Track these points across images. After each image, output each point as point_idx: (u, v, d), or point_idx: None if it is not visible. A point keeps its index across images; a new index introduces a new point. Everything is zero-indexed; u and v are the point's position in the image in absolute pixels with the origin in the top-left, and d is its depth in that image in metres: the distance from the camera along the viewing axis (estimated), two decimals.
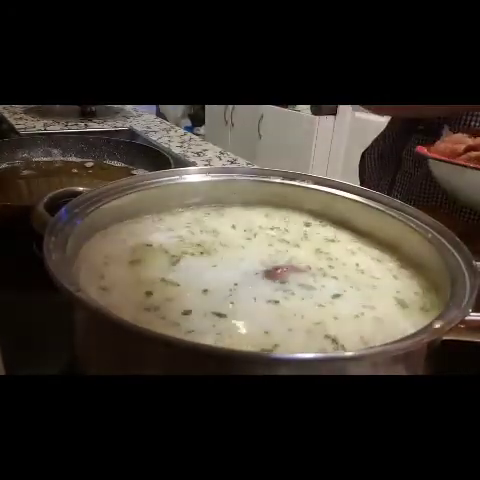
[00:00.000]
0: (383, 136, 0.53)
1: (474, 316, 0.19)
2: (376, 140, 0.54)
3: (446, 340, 0.19)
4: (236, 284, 0.23)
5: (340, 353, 0.19)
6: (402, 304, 0.24)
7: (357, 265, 0.27)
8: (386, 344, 0.18)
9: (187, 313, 0.21)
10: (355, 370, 0.18)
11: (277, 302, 0.22)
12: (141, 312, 0.21)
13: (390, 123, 0.53)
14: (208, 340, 0.19)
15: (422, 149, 0.35)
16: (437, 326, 0.19)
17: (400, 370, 0.19)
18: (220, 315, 0.21)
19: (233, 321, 0.21)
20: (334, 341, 0.20)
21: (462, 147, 0.34)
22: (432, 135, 0.44)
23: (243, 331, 0.20)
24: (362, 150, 0.57)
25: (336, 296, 0.23)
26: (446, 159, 0.33)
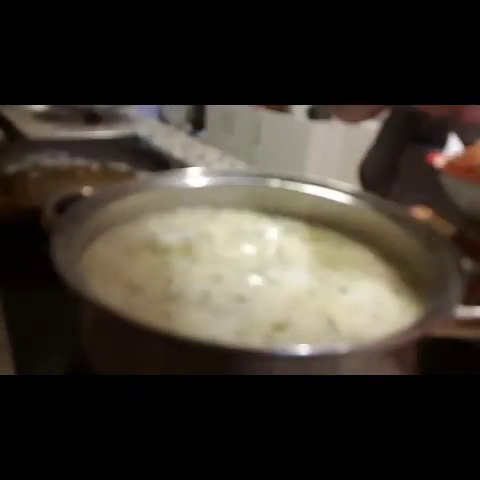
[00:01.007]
0: (377, 145, 0.53)
1: (462, 312, 0.20)
2: (369, 153, 0.54)
3: (435, 337, 0.19)
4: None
5: (331, 349, 0.18)
6: (395, 292, 0.24)
7: (348, 260, 0.27)
8: (376, 340, 0.18)
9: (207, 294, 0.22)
10: (346, 366, 0.18)
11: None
12: (164, 303, 0.22)
13: (381, 133, 0.53)
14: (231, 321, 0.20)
15: (434, 160, 0.34)
16: (425, 322, 0.19)
17: (390, 367, 0.19)
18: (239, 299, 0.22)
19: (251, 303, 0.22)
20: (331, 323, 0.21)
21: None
22: (430, 143, 0.44)
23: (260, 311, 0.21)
24: (358, 154, 0.57)
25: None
26: (462, 176, 0.32)
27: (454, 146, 0.36)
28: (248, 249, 0.28)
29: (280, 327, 0.21)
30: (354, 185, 0.35)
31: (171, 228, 0.29)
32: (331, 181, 0.31)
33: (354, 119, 0.44)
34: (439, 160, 0.33)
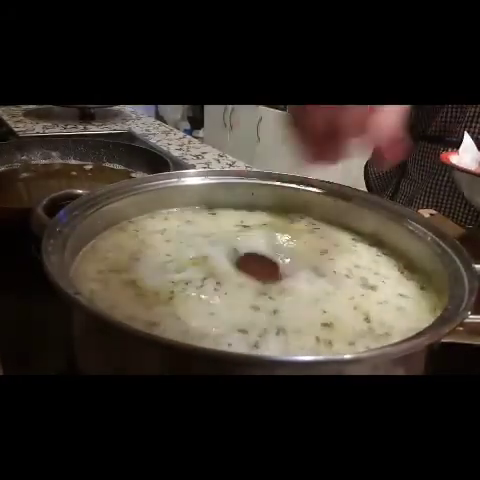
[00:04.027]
0: None
1: (473, 319, 0.19)
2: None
3: (445, 342, 0.19)
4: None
5: (339, 355, 0.19)
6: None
7: (357, 266, 0.27)
8: (385, 346, 0.18)
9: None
10: (355, 372, 0.17)
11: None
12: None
13: None
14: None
15: (447, 158, 0.34)
16: (436, 329, 0.19)
17: (399, 372, 0.19)
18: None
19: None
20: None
21: None
22: (437, 142, 0.44)
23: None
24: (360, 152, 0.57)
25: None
26: (473, 171, 0.32)
27: (468, 143, 0.35)
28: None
29: (328, 325, 0.21)
30: (359, 185, 0.35)
31: (167, 230, 0.28)
32: (337, 184, 0.31)
33: None
34: (453, 157, 0.32)
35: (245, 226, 0.30)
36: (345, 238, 0.29)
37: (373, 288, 0.25)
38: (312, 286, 0.24)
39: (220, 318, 0.21)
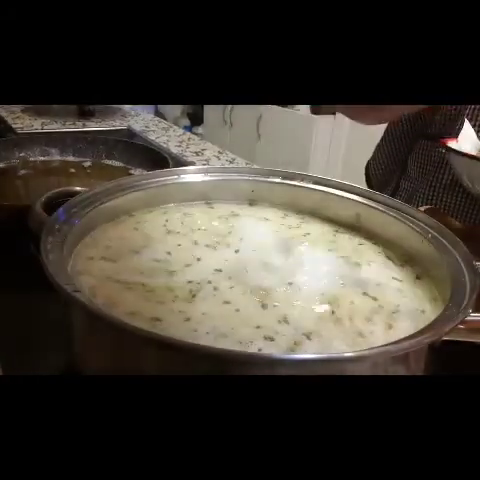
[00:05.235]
0: (385, 144, 0.53)
1: (474, 317, 0.19)
2: (378, 149, 0.54)
3: (446, 340, 0.19)
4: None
5: (341, 353, 0.19)
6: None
7: (357, 263, 0.27)
8: (386, 344, 0.18)
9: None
10: (356, 370, 0.18)
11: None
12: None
13: (389, 132, 0.53)
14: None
15: (445, 143, 0.34)
16: (437, 327, 0.18)
17: (400, 370, 0.19)
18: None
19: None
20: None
21: None
22: (437, 140, 0.44)
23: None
24: (361, 149, 0.57)
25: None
26: (472, 154, 0.32)
27: (468, 131, 0.35)
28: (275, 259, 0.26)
29: (335, 305, 0.23)
30: (360, 183, 0.35)
31: (166, 228, 0.28)
32: (338, 181, 0.31)
33: (373, 121, 0.44)
34: (452, 143, 0.32)
35: (235, 216, 0.30)
36: (328, 230, 0.29)
37: (358, 264, 0.25)
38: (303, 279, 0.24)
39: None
